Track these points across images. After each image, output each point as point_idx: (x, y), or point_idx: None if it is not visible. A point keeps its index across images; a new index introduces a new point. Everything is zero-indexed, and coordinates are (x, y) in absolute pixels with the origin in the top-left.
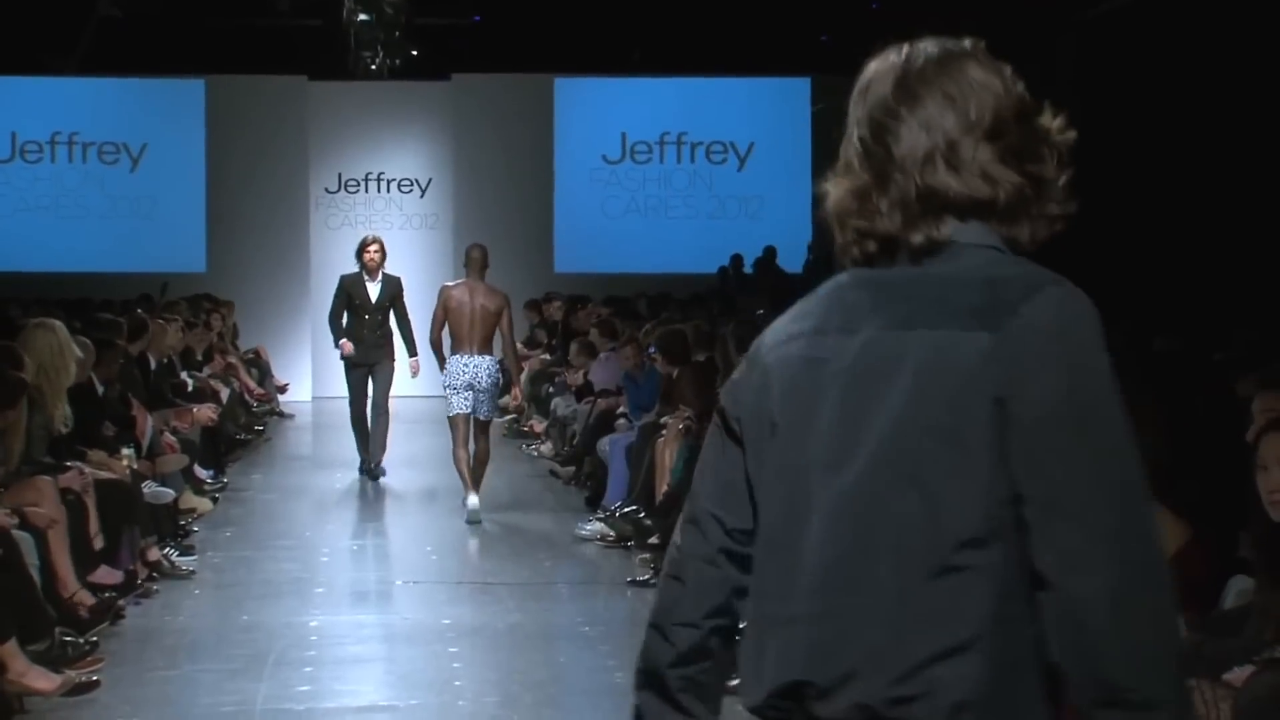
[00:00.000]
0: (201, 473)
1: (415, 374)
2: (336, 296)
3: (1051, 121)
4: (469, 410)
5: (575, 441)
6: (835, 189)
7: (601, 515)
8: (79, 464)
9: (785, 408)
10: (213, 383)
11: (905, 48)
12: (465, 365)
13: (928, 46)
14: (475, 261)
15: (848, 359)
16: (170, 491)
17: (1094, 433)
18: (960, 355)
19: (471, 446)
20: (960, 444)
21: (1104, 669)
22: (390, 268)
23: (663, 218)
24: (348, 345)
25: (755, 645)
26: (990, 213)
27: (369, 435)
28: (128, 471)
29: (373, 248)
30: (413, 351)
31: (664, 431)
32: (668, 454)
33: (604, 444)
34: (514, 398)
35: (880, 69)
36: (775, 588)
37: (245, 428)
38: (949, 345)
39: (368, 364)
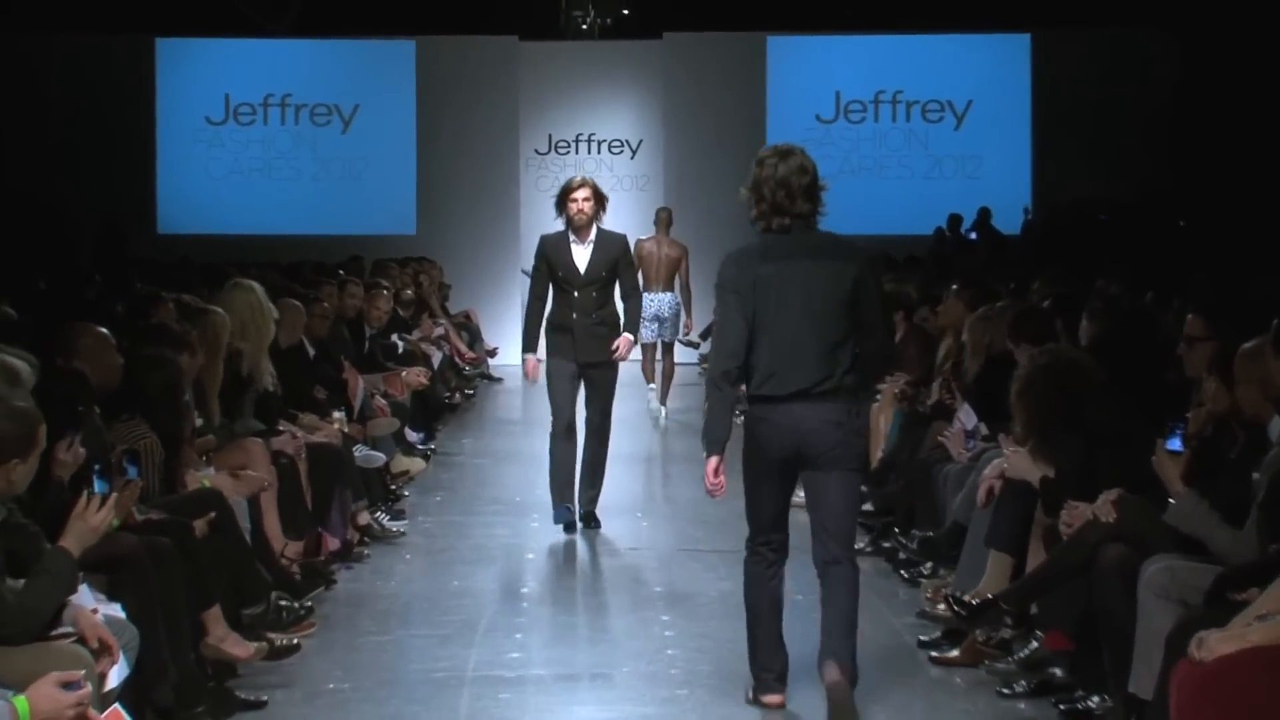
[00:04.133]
0: (412, 436)
1: (625, 353)
2: (535, 270)
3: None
4: (655, 337)
5: None
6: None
7: None
8: (291, 427)
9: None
10: (423, 346)
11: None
12: (652, 300)
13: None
14: (662, 220)
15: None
16: (381, 456)
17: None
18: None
19: (659, 361)
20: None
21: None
22: (608, 225)
23: (877, 178)
24: (532, 364)
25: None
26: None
27: (572, 469)
28: (339, 435)
29: (580, 194)
30: (630, 326)
31: (879, 396)
32: (882, 419)
33: None
34: (687, 326)
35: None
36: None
37: (456, 391)
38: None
39: (578, 365)
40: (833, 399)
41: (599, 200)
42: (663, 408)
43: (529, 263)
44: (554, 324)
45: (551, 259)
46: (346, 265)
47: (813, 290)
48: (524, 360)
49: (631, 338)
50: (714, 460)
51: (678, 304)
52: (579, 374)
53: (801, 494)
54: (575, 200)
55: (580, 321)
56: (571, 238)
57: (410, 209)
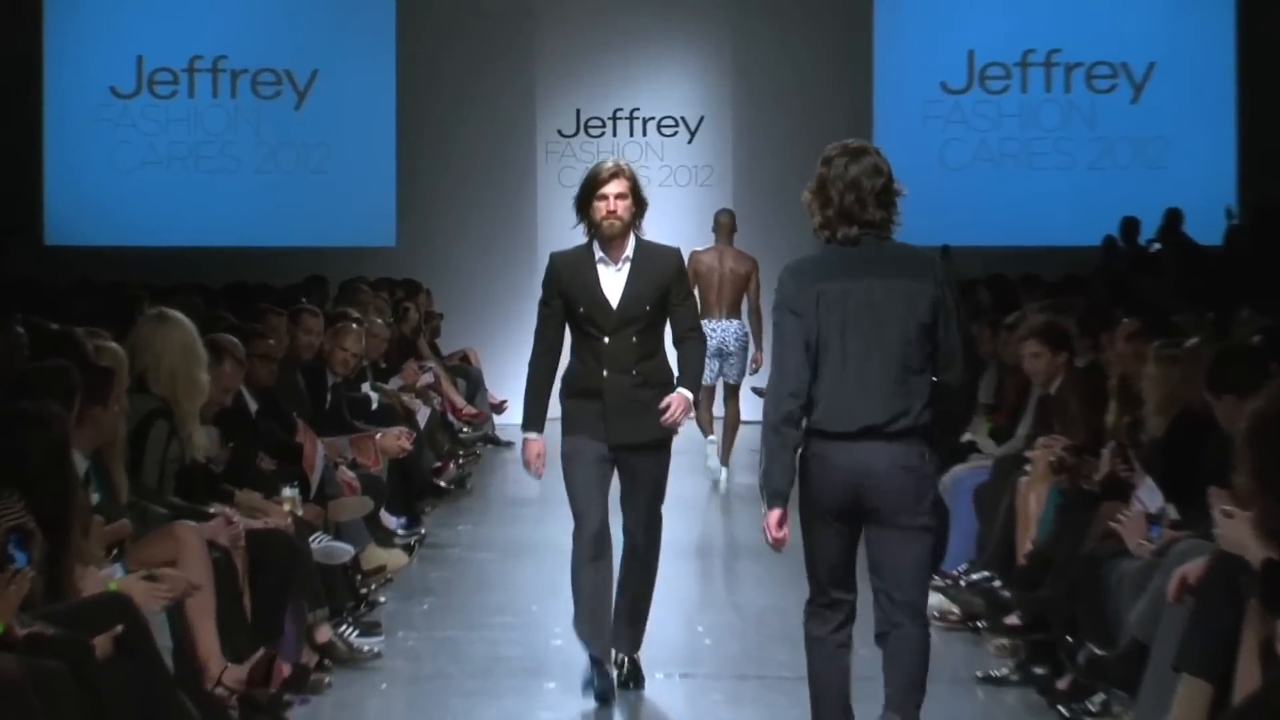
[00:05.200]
0: (390, 521)
1: (680, 417)
2: (544, 306)
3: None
4: (714, 378)
5: None
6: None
7: (940, 583)
8: (224, 508)
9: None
10: (405, 399)
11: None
12: (713, 331)
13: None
14: (724, 226)
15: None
16: (348, 548)
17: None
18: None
19: (720, 410)
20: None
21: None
22: (654, 234)
23: (1024, 168)
24: (534, 449)
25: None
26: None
27: (607, 599)
28: (290, 519)
29: (613, 187)
30: (689, 379)
31: (1028, 467)
32: (1033, 499)
33: (945, 481)
34: (755, 360)
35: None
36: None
37: (449, 460)
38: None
39: (611, 449)
40: (905, 440)
41: (638, 201)
42: (724, 469)
43: None
44: (573, 387)
45: (568, 289)
46: (302, 289)
47: (883, 311)
48: (524, 444)
49: (690, 396)
50: (775, 513)
51: (745, 334)
52: (611, 460)
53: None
54: (605, 198)
55: (613, 383)
56: (598, 255)
57: (388, 213)
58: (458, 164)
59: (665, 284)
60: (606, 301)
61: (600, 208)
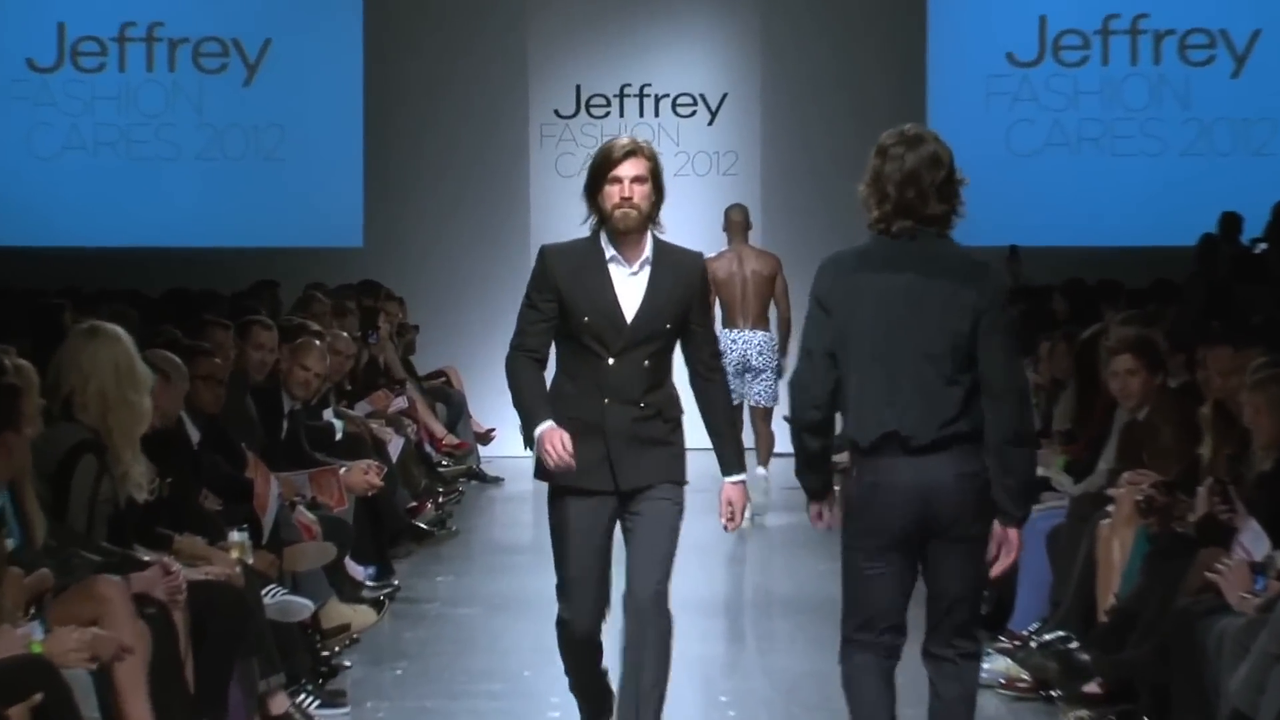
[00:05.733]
0: (357, 571)
1: (740, 518)
2: (529, 310)
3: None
4: (737, 400)
5: None
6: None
7: (1008, 644)
8: (161, 556)
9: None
10: (375, 426)
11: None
12: (735, 341)
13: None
14: (737, 225)
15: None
16: (307, 603)
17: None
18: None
19: (750, 440)
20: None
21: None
22: (667, 232)
23: (1105, 154)
24: (555, 435)
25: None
26: None
27: (604, 679)
28: (239, 569)
29: (628, 168)
30: (736, 464)
31: (1111, 507)
32: (1116, 545)
33: None
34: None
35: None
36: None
37: (426, 499)
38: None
39: (617, 497)
40: (959, 447)
41: (658, 188)
42: (763, 471)
43: None
44: (561, 418)
45: (570, 291)
46: (252, 297)
47: (920, 309)
48: (538, 440)
49: (744, 483)
50: (815, 505)
51: (773, 347)
52: (616, 514)
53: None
54: (619, 181)
55: (617, 416)
56: (609, 253)
57: (355, 207)
58: (436, 150)
59: (688, 299)
60: (620, 313)
61: (612, 193)
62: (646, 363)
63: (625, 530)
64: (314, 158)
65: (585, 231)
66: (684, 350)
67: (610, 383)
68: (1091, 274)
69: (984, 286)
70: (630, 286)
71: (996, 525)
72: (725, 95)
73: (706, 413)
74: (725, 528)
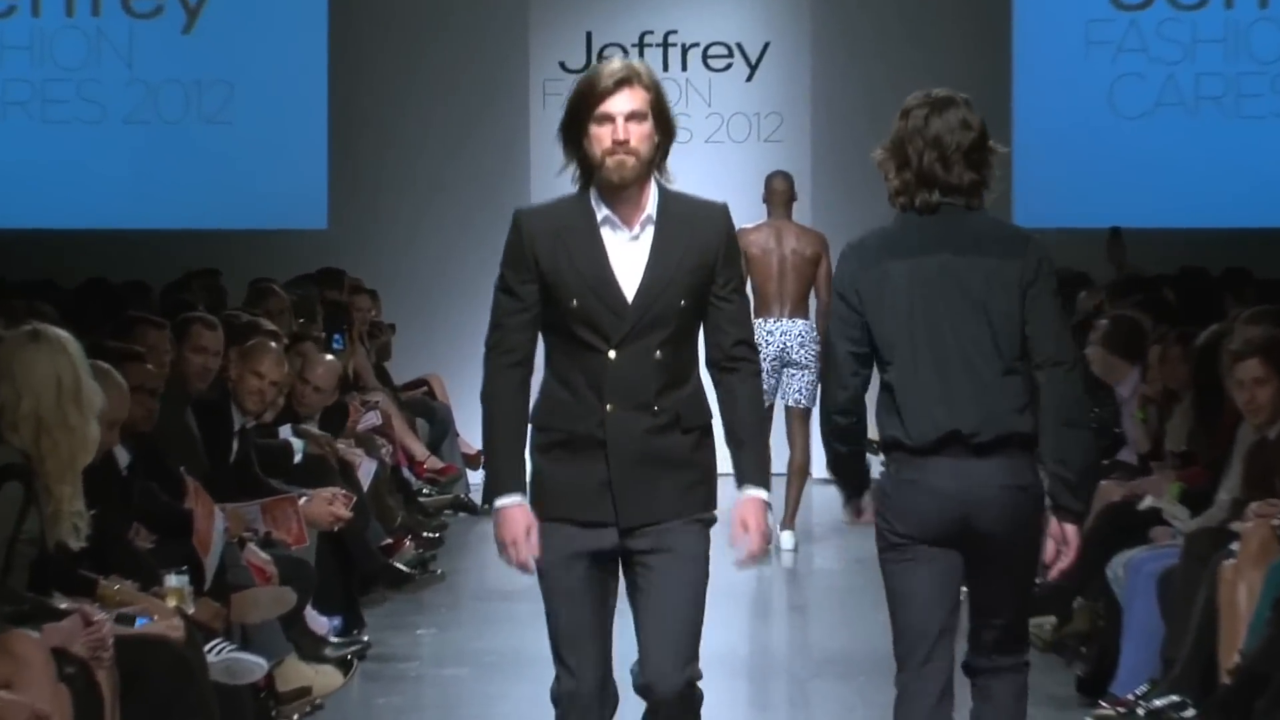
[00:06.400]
0: (320, 623)
1: (759, 547)
2: (504, 296)
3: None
4: (772, 397)
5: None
6: None
7: (1111, 711)
8: (83, 604)
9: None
10: (342, 447)
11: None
12: (771, 333)
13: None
14: (779, 194)
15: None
16: (259, 661)
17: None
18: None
19: (782, 446)
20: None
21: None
22: (693, 184)
23: (1231, 116)
24: (518, 522)
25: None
26: None
27: None
28: (178, 619)
29: (619, 101)
30: (758, 476)
31: (1236, 545)
32: (1242, 590)
33: (1116, 566)
34: None
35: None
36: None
37: (404, 534)
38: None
39: (619, 534)
40: (1005, 452)
41: (664, 125)
42: (787, 535)
43: None
44: (552, 435)
45: (552, 266)
46: (193, 289)
47: (960, 292)
48: (498, 517)
49: (766, 500)
50: (853, 502)
51: (814, 338)
52: (620, 553)
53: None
54: (609, 120)
55: (622, 426)
56: (600, 213)
57: (318, 182)
58: (416, 111)
59: (709, 263)
60: (618, 289)
61: (602, 136)
62: (658, 354)
63: (632, 586)
64: (268, 121)
65: (560, 184)
66: (704, 332)
67: (611, 383)
68: (1212, 262)
69: (1027, 258)
70: (630, 255)
71: (1053, 522)
72: (767, 45)
73: (727, 413)
74: (738, 561)
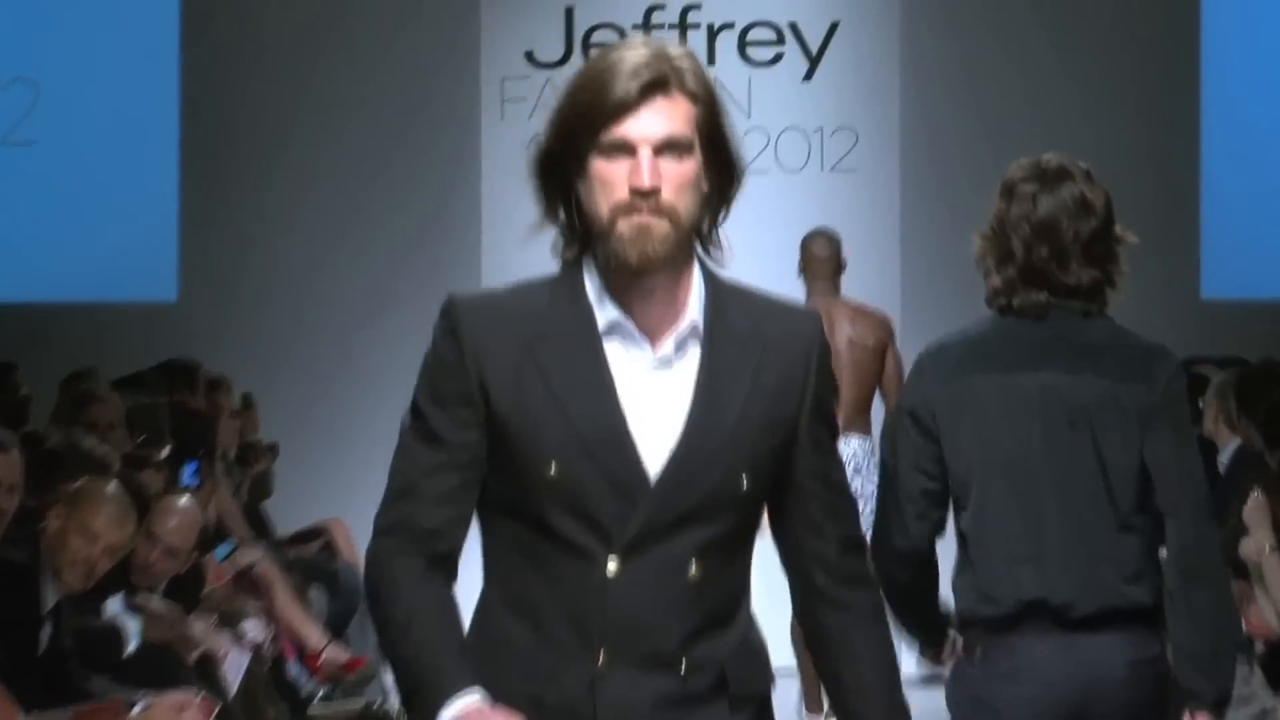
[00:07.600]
0: None
1: None
2: (417, 438)
3: None
4: None
5: None
6: None
7: None
8: None
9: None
10: (199, 627)
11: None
12: None
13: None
14: (821, 263)
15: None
16: None
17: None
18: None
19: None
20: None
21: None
22: (734, 268)
23: None
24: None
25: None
26: None
27: None
28: None
29: (644, 122)
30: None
31: (1244, 648)
32: None
33: None
34: None
35: None
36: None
37: None
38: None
39: None
40: (1135, 625)
41: (721, 160)
42: None
43: None
44: (510, 695)
45: (509, 404)
46: None
47: (1068, 428)
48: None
49: None
50: (932, 650)
51: (875, 463)
52: None
53: None
54: (629, 148)
55: (625, 690)
56: (607, 316)
57: (168, 234)
58: (311, 130)
59: (789, 414)
60: (632, 451)
61: (611, 178)
62: (694, 569)
63: None
64: (97, 154)
65: (530, 258)
66: (782, 535)
67: (611, 618)
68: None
69: (1154, 379)
70: (656, 392)
71: (1187, 715)
72: (835, 26)
73: (842, 664)
74: None
